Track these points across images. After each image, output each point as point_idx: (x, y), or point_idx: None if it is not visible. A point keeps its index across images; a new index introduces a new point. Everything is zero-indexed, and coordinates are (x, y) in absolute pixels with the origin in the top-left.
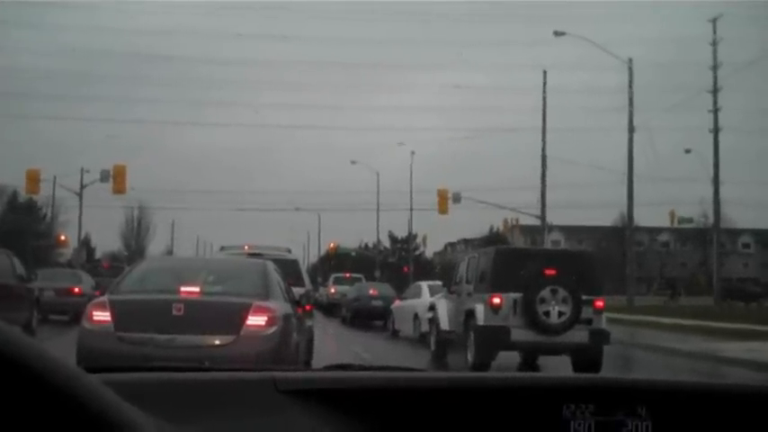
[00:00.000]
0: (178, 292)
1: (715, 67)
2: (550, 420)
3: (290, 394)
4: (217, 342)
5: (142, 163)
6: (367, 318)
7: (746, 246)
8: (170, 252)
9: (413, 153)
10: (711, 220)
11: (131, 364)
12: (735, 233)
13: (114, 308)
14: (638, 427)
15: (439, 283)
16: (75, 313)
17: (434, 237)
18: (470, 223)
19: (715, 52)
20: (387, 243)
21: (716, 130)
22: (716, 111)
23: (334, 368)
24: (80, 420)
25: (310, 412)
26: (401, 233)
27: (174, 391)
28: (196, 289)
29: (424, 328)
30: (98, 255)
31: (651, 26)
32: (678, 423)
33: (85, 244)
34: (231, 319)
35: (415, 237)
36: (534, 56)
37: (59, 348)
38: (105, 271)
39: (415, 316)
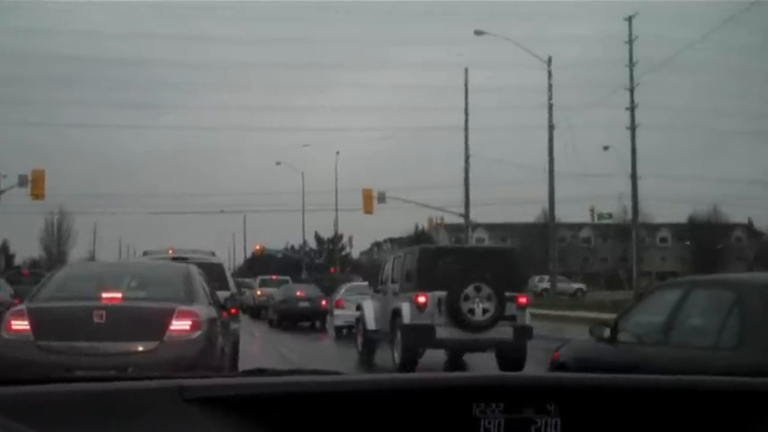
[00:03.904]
0: (99, 298)
1: (631, 65)
2: (461, 420)
3: (196, 403)
4: (140, 348)
5: (62, 167)
6: (294, 319)
7: (664, 240)
8: (92, 257)
9: (338, 153)
10: (630, 215)
11: (52, 373)
12: (653, 228)
13: (33, 316)
14: (547, 424)
15: (364, 283)
16: None
17: (361, 237)
18: (396, 222)
19: (631, 50)
20: (313, 244)
21: (633, 127)
22: (633, 108)
23: (248, 373)
24: None
25: (217, 421)
26: (327, 234)
27: (74, 403)
28: (118, 295)
29: (337, 322)
30: (17, 262)
31: (571, 24)
32: (587, 418)
33: (3, 251)
34: (154, 324)
35: (341, 237)
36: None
37: None
38: (25, 278)
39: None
